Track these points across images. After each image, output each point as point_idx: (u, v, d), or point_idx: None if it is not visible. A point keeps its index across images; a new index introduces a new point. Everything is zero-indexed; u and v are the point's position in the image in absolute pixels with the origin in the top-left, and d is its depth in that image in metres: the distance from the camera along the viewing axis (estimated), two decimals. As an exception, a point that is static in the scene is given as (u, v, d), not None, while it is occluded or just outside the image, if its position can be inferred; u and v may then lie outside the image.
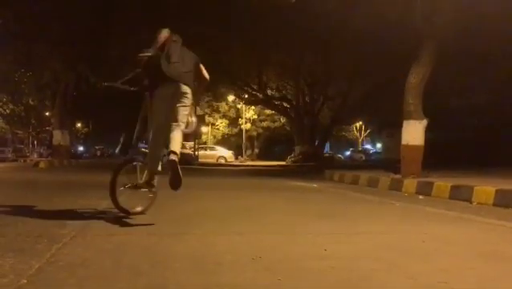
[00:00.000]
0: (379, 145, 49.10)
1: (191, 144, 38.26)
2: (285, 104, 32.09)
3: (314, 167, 21.08)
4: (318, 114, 31.06)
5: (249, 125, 42.69)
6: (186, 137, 4.98)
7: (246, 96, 33.78)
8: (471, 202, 6.72)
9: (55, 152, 21.36)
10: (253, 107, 40.51)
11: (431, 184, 8.03)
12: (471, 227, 4.61)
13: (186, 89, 4.39)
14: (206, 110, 43.52)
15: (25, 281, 2.30)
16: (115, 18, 18.69)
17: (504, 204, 6.22)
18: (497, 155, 16.85)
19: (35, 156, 39.80)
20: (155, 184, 4.63)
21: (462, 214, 5.39)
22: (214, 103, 42.46)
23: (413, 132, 10.00)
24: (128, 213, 4.48)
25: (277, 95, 31.99)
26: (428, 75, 10.16)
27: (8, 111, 34.91)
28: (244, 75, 28.67)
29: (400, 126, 10.34)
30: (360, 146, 55.57)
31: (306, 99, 30.63)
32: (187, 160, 29.41)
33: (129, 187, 4.58)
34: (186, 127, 4.58)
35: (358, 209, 5.88)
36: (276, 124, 43.08)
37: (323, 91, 29.62)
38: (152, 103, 4.54)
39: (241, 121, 42.58)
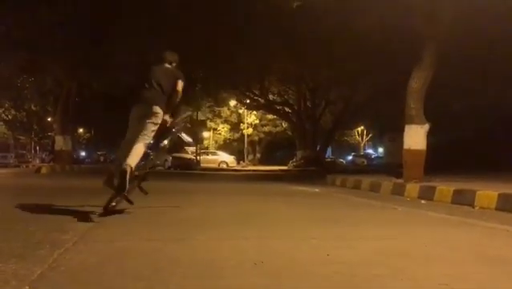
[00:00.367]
0: (381, 150, 49.04)
1: (193, 149, 38.30)
2: (286, 109, 32.12)
3: (316, 172, 21.06)
4: (320, 119, 31.08)
5: (250, 130, 42.72)
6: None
7: (248, 101, 33.81)
8: (473, 207, 6.70)
9: (57, 158, 21.40)
10: (254, 112, 40.55)
11: (433, 188, 8.01)
12: (474, 232, 4.59)
13: (158, 110, 4.98)
14: (208, 115, 43.59)
15: (27, 287, 2.30)
16: (117, 24, 18.75)
17: (507, 208, 6.20)
18: (500, 158, 16.82)
19: (37, 161, 39.83)
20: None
21: (465, 219, 5.37)
22: (216, 108, 42.52)
23: (415, 137, 9.99)
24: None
25: (278, 99, 32.03)
26: (430, 78, 10.16)
27: (10, 116, 35.05)
28: (245, 80, 28.72)
29: (402, 130, 10.33)
30: (362, 151, 55.55)
31: (308, 103, 30.67)
32: (188, 165, 29.47)
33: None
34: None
35: (360, 214, 5.87)
36: (278, 129, 43.11)
37: (325, 95, 29.65)
38: (129, 119, 5.18)
39: (242, 126, 42.62)
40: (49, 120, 36.06)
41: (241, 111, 41.74)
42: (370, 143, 59.11)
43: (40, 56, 18.84)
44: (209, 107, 43.04)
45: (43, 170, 18.21)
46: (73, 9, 17.67)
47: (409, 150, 10.05)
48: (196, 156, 35.28)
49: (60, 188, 9.97)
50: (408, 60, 11.22)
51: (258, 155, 47.10)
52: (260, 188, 11.34)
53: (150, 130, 5.00)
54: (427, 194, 8.03)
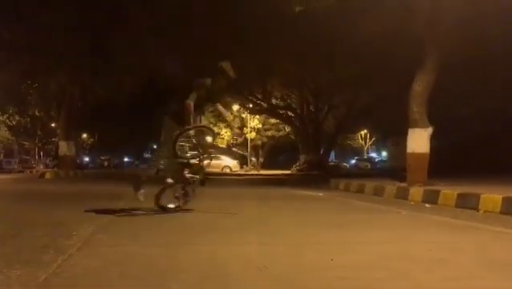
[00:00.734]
0: (384, 153, 48.93)
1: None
2: (289, 113, 32.10)
3: (319, 176, 21.01)
4: (323, 123, 31.05)
5: (253, 134, 42.71)
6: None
7: (251, 106, 33.83)
8: (478, 210, 6.67)
9: (61, 163, 21.44)
10: (257, 116, 40.56)
11: (437, 192, 7.98)
12: (478, 235, 4.57)
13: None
14: (211, 120, 43.61)
15: (31, 292, 2.30)
16: (120, 29, 18.83)
17: (511, 212, 6.17)
18: (504, 161, 16.74)
19: (41, 167, 39.93)
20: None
21: (469, 222, 5.35)
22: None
23: (419, 140, 9.96)
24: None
25: (281, 104, 32.01)
26: (433, 82, 10.15)
27: (14, 122, 35.14)
28: (248, 84, 28.73)
29: (406, 134, 10.31)
30: (366, 154, 55.43)
31: (311, 107, 30.65)
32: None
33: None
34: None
35: (364, 218, 5.86)
36: (281, 133, 43.07)
37: (328, 99, 29.63)
38: None
39: (245, 130, 42.62)
40: (53, 125, 36.19)
41: (244, 115, 41.76)
42: (373, 147, 58.98)
43: (43, 61, 18.92)
44: (211, 112, 43.01)
45: (47, 176, 18.26)
46: (75, 13, 17.75)
47: (413, 154, 10.03)
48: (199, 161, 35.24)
49: (64, 193, 9.99)
50: (410, 64, 11.21)
51: (261, 159, 47.06)
52: (263, 192, 11.33)
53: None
54: (431, 198, 8.01)
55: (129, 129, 53.26)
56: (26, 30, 17.84)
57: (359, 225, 5.20)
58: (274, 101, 31.58)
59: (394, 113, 20.06)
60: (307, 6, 11.81)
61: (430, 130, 9.95)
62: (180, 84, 27.49)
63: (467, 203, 7.04)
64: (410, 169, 10.02)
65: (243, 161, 41.85)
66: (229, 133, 44.86)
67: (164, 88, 27.68)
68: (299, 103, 31.13)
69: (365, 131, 51.59)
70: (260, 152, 47.25)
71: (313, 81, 27.47)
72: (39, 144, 45.93)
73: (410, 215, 6.24)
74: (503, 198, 6.45)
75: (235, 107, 38.72)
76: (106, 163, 49.31)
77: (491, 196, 6.74)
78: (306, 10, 11.91)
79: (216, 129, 44.54)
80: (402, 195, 8.99)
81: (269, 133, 43.69)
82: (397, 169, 13.65)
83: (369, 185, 10.79)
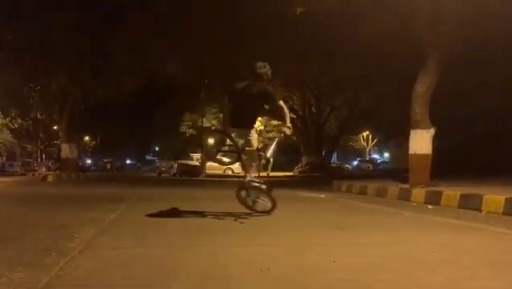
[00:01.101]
0: (386, 155, 48.89)
1: (198, 155, 38.30)
2: (291, 115, 32.10)
3: (321, 177, 21.00)
4: (325, 124, 31.04)
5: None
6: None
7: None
8: (480, 211, 6.65)
9: (63, 166, 21.48)
10: (259, 117, 40.58)
11: (440, 193, 7.96)
12: (481, 236, 4.56)
13: None
14: (213, 122, 43.66)
15: (34, 295, 2.30)
16: (122, 31, 18.86)
17: (514, 212, 6.16)
18: (506, 162, 16.70)
19: (43, 169, 40.00)
20: None
21: (472, 223, 5.33)
22: (221, 115, 42.49)
23: (421, 141, 9.95)
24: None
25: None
26: (435, 83, 10.13)
27: (16, 125, 35.27)
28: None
29: (408, 135, 10.29)
30: (368, 156, 55.37)
31: (313, 109, 30.65)
32: (194, 172, 29.47)
33: None
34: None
35: (367, 220, 5.84)
36: (282, 135, 43.06)
37: (330, 101, 29.63)
38: None
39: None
40: (55, 128, 36.26)
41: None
42: (375, 148, 58.92)
43: (43, 62, 18.96)
44: (214, 113, 43.11)
45: (49, 178, 18.29)
46: (75, 14, 17.79)
47: (415, 155, 10.01)
48: (201, 163, 35.29)
49: (67, 196, 10.01)
50: (412, 65, 11.20)
51: (263, 161, 47.06)
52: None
53: None
54: (433, 199, 7.99)
55: (130, 131, 53.40)
56: (27, 30, 17.88)
57: (362, 226, 5.19)
58: (275, 102, 31.55)
59: (396, 114, 20.04)
60: (308, 7, 11.82)
61: (432, 131, 9.94)
62: (180, 85, 27.55)
63: (470, 204, 7.03)
64: (412, 170, 10.01)
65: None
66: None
67: (165, 89, 27.75)
68: (301, 104, 31.13)
69: (367, 132, 51.55)
70: (262, 154, 47.26)
71: (314, 82, 27.48)
72: (41, 147, 46.05)
73: (412, 216, 6.23)
74: (506, 199, 6.43)
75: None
76: (109, 165, 49.36)
77: (494, 197, 6.72)
78: (307, 11, 11.92)
79: (217, 131, 44.66)
80: (404, 196, 8.98)
81: (271, 135, 43.72)
82: (399, 170, 13.63)
83: (371, 186, 10.78)
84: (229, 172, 35.05)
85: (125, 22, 18.64)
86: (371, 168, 45.68)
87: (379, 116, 30.86)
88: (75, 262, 3.06)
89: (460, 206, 7.20)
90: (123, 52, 19.36)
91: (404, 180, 10.30)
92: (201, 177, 27.10)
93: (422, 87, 10.07)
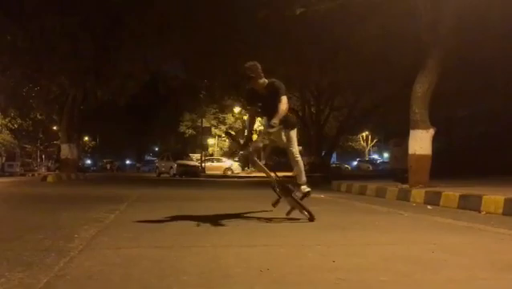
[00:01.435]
0: (386, 155, 48.92)
1: (197, 156, 38.32)
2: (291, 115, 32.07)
3: (321, 177, 21.00)
4: (325, 124, 31.03)
5: (255, 136, 42.70)
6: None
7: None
8: (480, 212, 6.65)
9: (63, 166, 21.49)
10: (259, 118, 40.55)
11: (439, 193, 7.97)
12: (481, 237, 4.56)
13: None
14: (212, 122, 43.68)
15: (33, 295, 2.30)
16: (123, 33, 18.88)
17: (514, 213, 6.16)
18: (506, 163, 16.71)
19: (43, 170, 40.00)
20: None
21: (471, 224, 5.33)
22: (220, 115, 42.54)
23: (420, 142, 9.95)
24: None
25: (283, 105, 31.97)
26: (435, 84, 10.14)
27: (16, 125, 35.19)
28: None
29: (407, 135, 10.29)
30: (367, 156, 55.40)
31: (312, 109, 30.63)
32: (194, 172, 29.46)
33: None
34: None
35: (366, 220, 5.84)
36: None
37: (330, 101, 29.63)
38: None
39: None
40: (54, 128, 36.26)
41: (245, 117, 41.79)
42: (375, 148, 58.97)
43: (45, 64, 18.96)
44: (213, 114, 43.14)
45: (49, 179, 18.28)
46: (78, 17, 17.80)
47: (414, 155, 10.01)
48: (201, 163, 35.30)
49: (66, 196, 10.01)
50: (411, 66, 11.21)
51: (263, 161, 47.07)
52: (265, 194, 11.30)
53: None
54: (433, 199, 7.99)
55: (130, 131, 53.39)
56: (29, 33, 17.89)
57: (361, 226, 5.19)
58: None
59: (395, 115, 20.06)
60: (308, 8, 11.81)
61: (432, 131, 9.94)
62: (180, 85, 27.58)
63: (469, 204, 7.03)
64: (412, 171, 10.00)
65: (245, 163, 41.84)
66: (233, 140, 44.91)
67: (165, 89, 27.78)
68: (301, 104, 31.11)
69: (367, 132, 51.58)
70: (262, 154, 47.26)
71: (314, 83, 27.48)
72: (41, 147, 46.03)
73: (412, 217, 6.23)
74: (505, 199, 6.43)
75: (236, 110, 38.78)
76: (109, 166, 49.31)
77: (493, 197, 6.72)
78: (307, 12, 11.91)
79: (217, 131, 44.69)
80: (404, 196, 8.99)
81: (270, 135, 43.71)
82: (399, 171, 13.63)
83: (371, 186, 10.78)
84: (229, 173, 35.11)
85: (127, 25, 18.65)
86: (370, 168, 45.73)
87: (378, 117, 30.88)
88: (75, 262, 3.06)
89: (459, 207, 7.20)
90: (125, 54, 19.38)
91: (404, 180, 10.29)
92: (200, 178, 27.09)
93: (421, 88, 10.06)
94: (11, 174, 29.47)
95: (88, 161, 54.25)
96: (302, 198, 5.41)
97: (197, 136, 45.11)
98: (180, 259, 3.21)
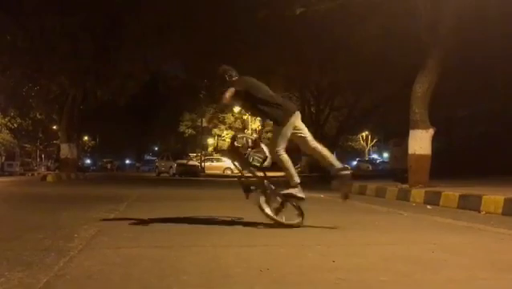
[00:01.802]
0: (386, 155, 48.93)
1: (196, 155, 38.31)
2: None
3: (320, 177, 20.99)
4: (325, 124, 31.04)
5: (255, 136, 42.68)
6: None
7: (252, 107, 33.83)
8: (480, 212, 6.65)
9: (63, 166, 21.49)
10: (258, 118, 40.56)
11: (439, 193, 7.97)
12: (481, 237, 4.56)
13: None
14: (213, 121, 43.68)
15: (33, 295, 2.30)
16: (123, 33, 18.87)
17: (513, 213, 6.16)
18: (506, 163, 16.71)
19: (43, 169, 39.99)
20: None
21: (471, 224, 5.33)
22: (220, 115, 42.53)
23: (420, 141, 9.95)
24: None
25: (283, 105, 32.00)
26: (434, 83, 10.14)
27: (16, 125, 35.21)
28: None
29: (407, 135, 10.30)
30: (367, 156, 55.40)
31: (312, 109, 30.64)
32: (193, 171, 29.48)
33: None
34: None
35: (366, 220, 5.85)
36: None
37: (329, 101, 29.65)
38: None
39: (247, 132, 42.61)
40: (54, 128, 36.25)
41: (245, 117, 41.81)
42: (375, 148, 58.96)
43: (45, 64, 18.96)
44: (212, 114, 43.13)
45: (49, 178, 18.28)
46: (78, 17, 17.79)
47: (414, 155, 10.01)
48: (200, 163, 35.30)
49: (66, 196, 10.00)
50: (411, 65, 11.20)
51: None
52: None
53: None
54: (432, 199, 8.00)
55: (129, 130, 53.36)
56: (29, 33, 17.88)
57: (361, 226, 5.19)
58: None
59: (395, 115, 20.06)
60: (308, 8, 11.81)
61: (432, 131, 9.94)
62: (179, 85, 27.59)
63: (469, 204, 7.03)
64: (411, 171, 10.01)
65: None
66: (230, 135, 44.94)
67: (164, 89, 27.78)
68: (300, 104, 31.11)
69: (366, 132, 51.58)
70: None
71: (314, 83, 27.49)
72: (41, 147, 46.01)
73: (412, 217, 6.23)
74: (505, 199, 6.43)
75: (236, 109, 38.76)
76: (109, 165, 49.25)
77: (493, 197, 6.72)
78: (307, 12, 11.91)
79: (217, 131, 44.71)
80: (404, 196, 8.99)
81: (270, 135, 43.73)
82: (399, 171, 13.63)
83: (371, 186, 10.78)
84: (229, 173, 35.08)
85: (127, 25, 18.65)
86: (370, 168, 45.71)
87: (378, 117, 30.89)
88: (75, 262, 3.06)
89: (459, 206, 7.20)
90: (125, 54, 19.37)
91: (404, 180, 10.30)
92: (200, 177, 27.09)
93: (421, 88, 10.07)
94: (11, 174, 29.47)
95: (88, 161, 54.22)
96: (282, 203, 5.08)
97: (196, 135, 45.14)
98: (180, 259, 3.21)
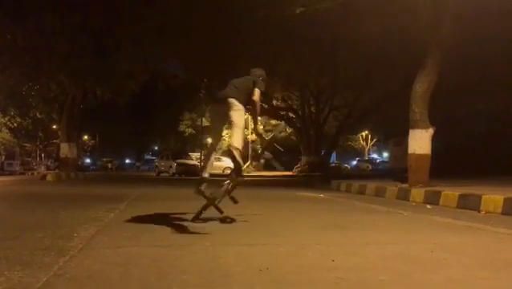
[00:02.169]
0: (385, 154, 48.93)
1: (197, 155, 38.28)
2: (291, 115, 32.10)
3: (320, 177, 21.01)
4: (324, 124, 31.05)
5: (254, 136, 42.70)
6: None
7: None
8: (479, 211, 6.66)
9: (62, 165, 21.50)
10: (259, 117, 40.54)
11: (438, 193, 7.97)
12: (480, 236, 4.56)
13: (234, 101, 5.15)
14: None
15: (33, 294, 2.30)
16: (123, 33, 18.85)
17: (513, 212, 6.16)
18: (503, 162, 16.72)
19: (42, 168, 39.96)
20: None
21: (471, 223, 5.33)
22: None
23: (420, 141, 9.95)
24: None
25: (282, 105, 32.01)
26: (434, 83, 10.14)
27: (15, 124, 35.18)
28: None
29: (407, 135, 10.30)
30: (367, 155, 55.41)
31: (312, 109, 30.65)
32: (193, 171, 29.44)
33: None
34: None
35: (365, 219, 5.85)
36: (282, 135, 43.10)
37: (329, 101, 29.65)
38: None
39: (247, 132, 42.60)
40: (54, 127, 36.23)
41: (245, 116, 41.76)
42: (375, 148, 58.97)
43: (45, 64, 18.95)
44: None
45: (49, 178, 18.27)
46: (78, 17, 17.78)
47: (414, 154, 10.01)
48: (200, 163, 35.26)
49: (66, 195, 10.00)
50: (411, 65, 11.20)
51: (262, 161, 47.07)
52: (265, 193, 11.34)
53: (238, 135, 5.32)
54: (432, 199, 8.00)
55: (129, 130, 53.34)
56: (29, 32, 17.87)
57: (361, 226, 5.19)
58: (274, 102, 31.57)
59: (395, 114, 20.06)
60: (308, 7, 11.82)
61: (431, 131, 9.94)
62: (179, 84, 27.58)
63: (468, 204, 7.03)
64: (411, 170, 10.01)
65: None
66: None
67: (164, 88, 27.76)
68: (300, 104, 31.12)
69: (366, 132, 51.58)
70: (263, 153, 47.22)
71: (314, 82, 27.49)
72: (41, 146, 45.98)
73: (411, 216, 6.23)
74: (505, 199, 6.43)
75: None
76: (109, 165, 49.18)
77: (492, 196, 6.73)
78: (307, 11, 11.91)
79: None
80: (403, 196, 8.99)
81: (270, 134, 43.71)
82: (399, 170, 13.64)
83: (370, 186, 10.79)
84: (228, 172, 35.04)
85: (127, 25, 18.64)
86: (370, 167, 45.72)
87: (378, 116, 30.90)
88: (74, 261, 3.06)
89: (459, 206, 7.21)
90: (125, 54, 19.37)
91: (403, 179, 10.30)
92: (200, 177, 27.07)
93: (421, 87, 10.07)
94: (11, 173, 29.43)
95: (88, 160, 54.15)
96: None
97: (196, 135, 45.10)
98: (179, 258, 3.21)
